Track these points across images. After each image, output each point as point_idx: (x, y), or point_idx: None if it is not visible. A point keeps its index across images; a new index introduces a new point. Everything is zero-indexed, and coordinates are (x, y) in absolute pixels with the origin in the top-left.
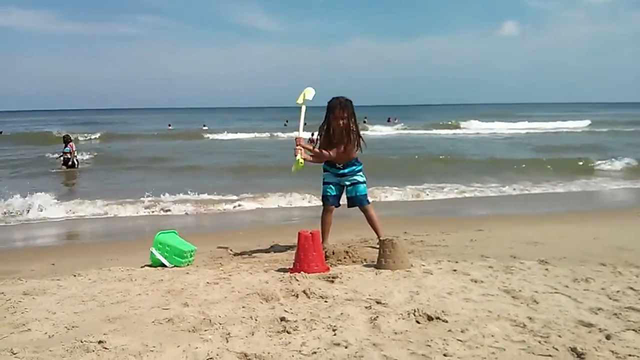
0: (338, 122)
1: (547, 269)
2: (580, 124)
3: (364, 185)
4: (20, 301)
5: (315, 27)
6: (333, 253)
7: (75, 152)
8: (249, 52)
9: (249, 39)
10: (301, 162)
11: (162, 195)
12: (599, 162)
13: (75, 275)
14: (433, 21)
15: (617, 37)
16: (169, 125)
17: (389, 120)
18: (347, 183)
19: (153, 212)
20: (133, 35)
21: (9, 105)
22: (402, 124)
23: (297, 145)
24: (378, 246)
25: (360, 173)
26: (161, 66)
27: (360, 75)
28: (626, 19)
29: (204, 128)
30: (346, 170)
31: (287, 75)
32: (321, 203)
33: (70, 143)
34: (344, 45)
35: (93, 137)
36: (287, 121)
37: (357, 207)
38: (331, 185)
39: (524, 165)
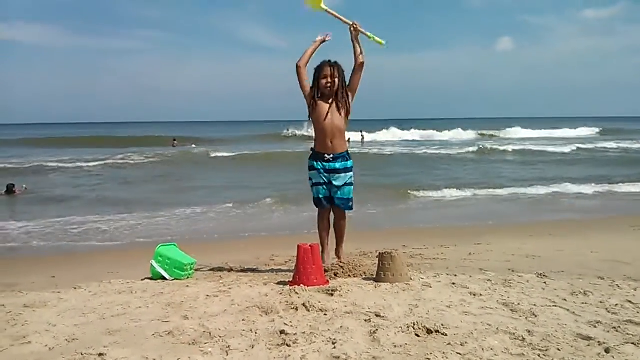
0: (328, 81)
1: (545, 283)
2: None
3: (351, 187)
4: (20, 314)
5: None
6: (332, 266)
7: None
8: (251, 66)
9: (251, 53)
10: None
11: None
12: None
13: (75, 288)
14: (432, 36)
15: (612, 51)
16: (174, 141)
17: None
18: (338, 183)
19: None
20: (134, 49)
21: (15, 118)
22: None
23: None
24: (377, 259)
25: (352, 174)
26: (163, 80)
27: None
28: (622, 33)
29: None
30: (337, 165)
31: (289, 88)
32: (315, 207)
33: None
34: (343, 58)
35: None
36: (288, 129)
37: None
38: (321, 187)
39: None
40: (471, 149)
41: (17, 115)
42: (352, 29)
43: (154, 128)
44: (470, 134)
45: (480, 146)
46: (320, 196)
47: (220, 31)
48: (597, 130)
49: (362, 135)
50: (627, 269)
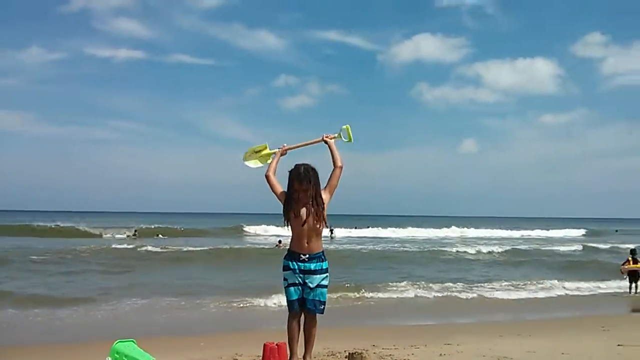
0: (297, 196)
1: None
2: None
3: (326, 290)
4: None
5: (290, 138)
6: None
7: None
8: (222, 158)
9: (223, 146)
10: (266, 151)
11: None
12: None
13: None
14: (399, 137)
15: (570, 155)
16: (135, 232)
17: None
18: (312, 285)
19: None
20: (106, 139)
21: None
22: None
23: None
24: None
25: (326, 275)
26: (133, 169)
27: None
28: (580, 139)
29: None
30: (312, 266)
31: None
32: (286, 308)
33: None
34: (319, 156)
35: None
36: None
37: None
38: (295, 288)
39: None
40: (471, 250)
41: None
42: (325, 142)
43: (119, 218)
44: (455, 231)
45: (482, 250)
46: (294, 298)
47: (189, 123)
48: (584, 231)
49: (331, 230)
50: None
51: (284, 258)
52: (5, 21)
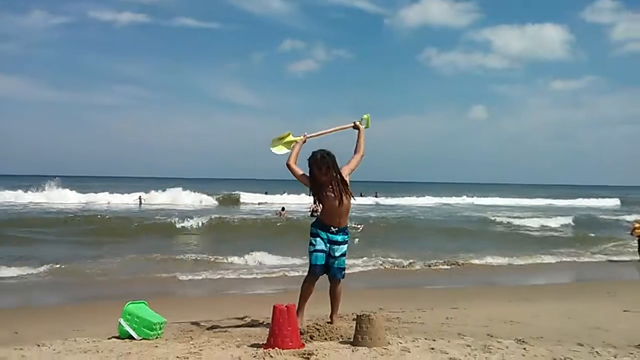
0: (321, 180)
1: (525, 349)
2: None
3: (345, 257)
4: None
5: (295, 103)
6: (307, 328)
7: None
8: (227, 124)
9: (228, 111)
10: (290, 138)
11: None
12: None
13: (39, 345)
14: (407, 102)
15: (579, 122)
16: (141, 199)
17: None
18: (337, 254)
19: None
20: (112, 105)
21: None
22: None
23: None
24: (355, 322)
25: (347, 245)
26: (140, 135)
27: (342, 150)
28: (589, 105)
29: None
30: (339, 238)
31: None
32: (307, 271)
33: None
34: (325, 121)
35: None
36: (266, 192)
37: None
38: (322, 254)
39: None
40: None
41: None
42: (357, 127)
43: (122, 182)
44: (473, 200)
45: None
46: (319, 263)
47: (194, 88)
48: (618, 200)
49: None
50: (606, 335)
51: (313, 226)
52: None
